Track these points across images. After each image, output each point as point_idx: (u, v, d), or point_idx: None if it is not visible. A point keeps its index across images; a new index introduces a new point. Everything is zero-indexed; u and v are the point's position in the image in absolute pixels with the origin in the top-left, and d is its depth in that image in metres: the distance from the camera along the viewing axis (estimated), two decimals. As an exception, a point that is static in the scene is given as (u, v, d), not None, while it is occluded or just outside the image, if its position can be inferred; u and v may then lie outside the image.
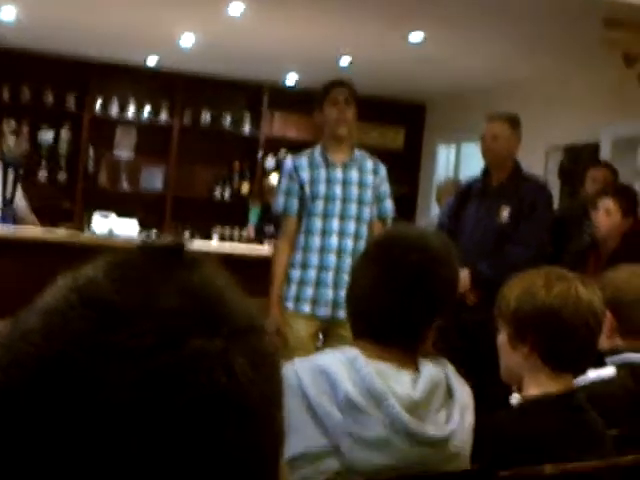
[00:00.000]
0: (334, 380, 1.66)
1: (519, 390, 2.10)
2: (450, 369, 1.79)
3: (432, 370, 1.76)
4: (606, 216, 4.50)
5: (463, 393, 1.77)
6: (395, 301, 1.78)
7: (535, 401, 2.02)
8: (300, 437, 1.65)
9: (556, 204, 5.71)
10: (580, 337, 2.02)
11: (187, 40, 7.02)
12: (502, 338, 2.10)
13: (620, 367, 2.48)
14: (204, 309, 0.68)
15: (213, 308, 0.68)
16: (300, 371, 1.69)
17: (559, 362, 2.03)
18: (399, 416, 1.65)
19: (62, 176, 8.58)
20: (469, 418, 1.76)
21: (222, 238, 8.49)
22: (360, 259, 1.91)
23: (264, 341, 0.71)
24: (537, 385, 2.03)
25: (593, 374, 2.44)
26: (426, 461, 1.70)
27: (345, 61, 7.29)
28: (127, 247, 0.72)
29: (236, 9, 5.85)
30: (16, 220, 5.60)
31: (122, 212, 6.42)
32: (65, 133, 8.58)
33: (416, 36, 6.22)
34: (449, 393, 1.76)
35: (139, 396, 0.63)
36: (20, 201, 5.72)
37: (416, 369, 1.76)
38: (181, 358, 0.64)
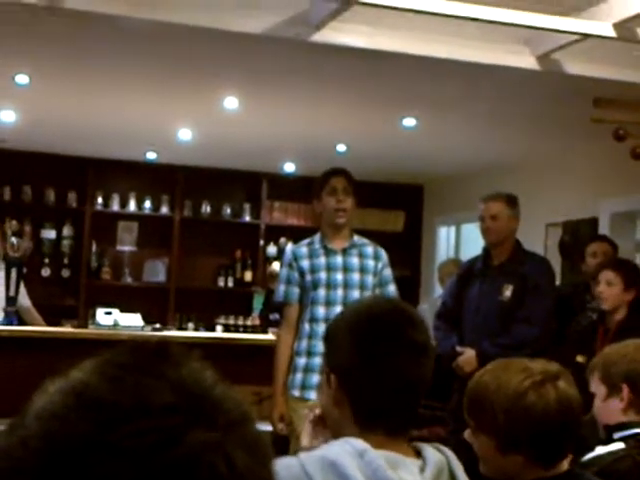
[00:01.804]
0: (345, 474, 1.63)
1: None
2: (450, 454, 1.77)
3: (436, 456, 1.74)
4: (608, 287, 4.51)
5: (465, 478, 1.75)
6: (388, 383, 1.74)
7: None
8: None
9: (557, 280, 5.71)
10: (573, 432, 2.01)
11: (185, 134, 7.13)
12: (485, 443, 2.02)
13: (628, 441, 2.46)
14: (198, 403, 0.69)
15: (206, 402, 0.70)
16: (308, 467, 1.65)
17: (549, 460, 2.01)
18: None
19: (65, 273, 8.61)
20: None
21: (226, 327, 8.47)
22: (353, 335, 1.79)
23: (256, 430, 0.72)
24: (530, 476, 2.01)
25: (602, 450, 2.42)
26: None
27: (341, 148, 7.39)
28: (114, 347, 0.74)
29: (231, 103, 5.96)
30: (20, 319, 5.60)
31: (126, 305, 6.43)
32: (67, 230, 8.64)
33: (409, 121, 6.32)
34: (452, 478, 1.74)
35: None
36: (23, 300, 5.73)
37: (418, 454, 1.75)
38: (182, 454, 0.65)
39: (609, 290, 4.51)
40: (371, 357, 1.73)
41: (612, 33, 4.21)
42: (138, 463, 0.64)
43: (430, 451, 1.74)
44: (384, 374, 1.73)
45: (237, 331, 8.29)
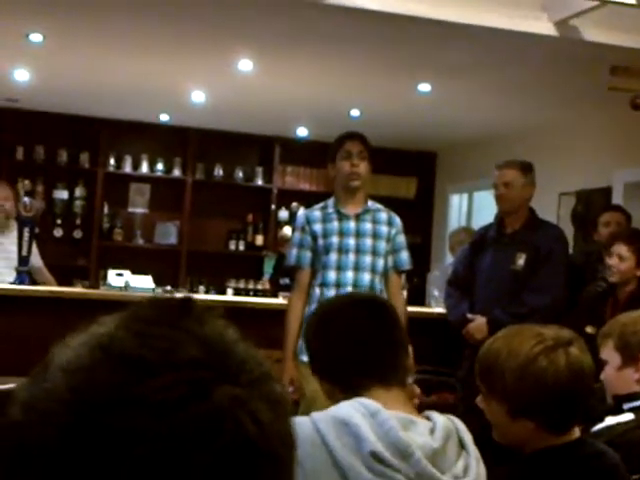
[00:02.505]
0: (358, 434, 1.65)
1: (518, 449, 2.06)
2: (458, 422, 1.78)
3: (444, 420, 1.75)
4: (619, 262, 4.49)
5: (473, 445, 1.76)
6: (367, 337, 1.87)
7: (540, 453, 2.00)
8: None
9: (570, 249, 5.70)
10: (584, 399, 2.01)
11: (198, 97, 7.11)
12: (496, 408, 2.03)
13: (638, 412, 2.46)
14: (222, 359, 0.70)
15: (230, 358, 0.71)
16: (321, 425, 1.67)
17: (562, 425, 2.01)
18: (426, 469, 1.64)
19: (77, 233, 8.63)
20: (483, 470, 1.76)
21: (237, 291, 8.50)
22: (317, 327, 1.99)
23: (276, 387, 0.73)
24: (541, 443, 2.01)
25: (612, 420, 2.42)
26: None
27: (355, 113, 7.35)
28: (137, 303, 0.74)
29: (245, 66, 5.93)
30: (32, 279, 5.63)
31: (137, 267, 6.45)
32: (79, 191, 8.66)
33: (424, 87, 6.28)
34: (461, 444, 1.75)
35: (171, 447, 0.65)
36: (36, 260, 5.75)
37: (427, 419, 1.77)
38: (209, 408, 0.66)
39: (621, 264, 4.49)
40: (328, 336, 1.91)
41: (632, 0, 4.16)
42: (165, 417, 0.65)
43: (439, 416, 1.77)
44: (343, 338, 1.88)
45: (247, 295, 8.32)
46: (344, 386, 1.81)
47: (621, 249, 4.51)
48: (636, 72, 4.83)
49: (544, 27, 4.66)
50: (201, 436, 0.65)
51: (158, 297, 0.76)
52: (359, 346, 1.84)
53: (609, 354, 2.60)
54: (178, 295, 0.76)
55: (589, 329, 4.17)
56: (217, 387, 0.67)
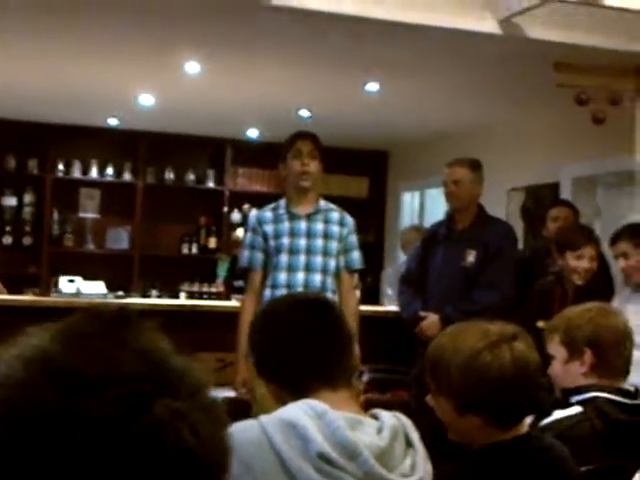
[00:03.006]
0: (305, 435, 1.65)
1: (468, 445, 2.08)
2: (406, 420, 1.80)
3: (391, 419, 1.76)
4: (589, 263, 4.48)
5: (420, 443, 1.78)
6: (313, 339, 1.87)
7: (488, 448, 2.02)
8: None
9: (519, 244, 5.75)
10: (530, 393, 2.03)
11: (146, 100, 7.06)
12: (444, 405, 2.05)
13: (586, 405, 2.49)
14: (161, 373, 0.70)
15: (168, 371, 0.71)
16: (269, 428, 1.67)
17: (509, 420, 2.03)
18: (373, 469, 1.65)
19: (27, 240, 8.53)
20: (429, 467, 1.77)
21: (190, 295, 8.45)
22: (259, 330, 2.00)
23: (211, 395, 0.74)
24: (489, 438, 2.03)
25: (560, 414, 2.45)
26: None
27: (305, 113, 7.36)
28: (72, 315, 0.73)
29: (192, 68, 5.90)
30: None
31: (89, 273, 6.39)
32: (28, 197, 8.55)
33: (372, 86, 6.30)
34: (408, 443, 1.76)
35: (112, 462, 0.65)
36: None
37: (375, 419, 1.77)
38: (150, 422, 0.66)
39: (590, 266, 4.47)
40: (273, 333, 1.93)
41: (573, -3, 4.21)
42: (106, 432, 0.65)
43: (386, 415, 1.77)
44: (287, 340, 1.88)
45: (201, 298, 8.28)
46: (290, 388, 1.81)
47: (591, 251, 4.49)
48: (580, 68, 4.90)
49: (488, 25, 4.70)
50: (143, 449, 0.66)
51: (93, 308, 0.75)
52: (303, 347, 1.84)
53: (555, 348, 2.63)
54: (118, 303, 0.75)
55: (540, 324, 4.20)
56: (157, 400, 0.67)
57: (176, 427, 0.67)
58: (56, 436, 0.64)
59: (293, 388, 1.80)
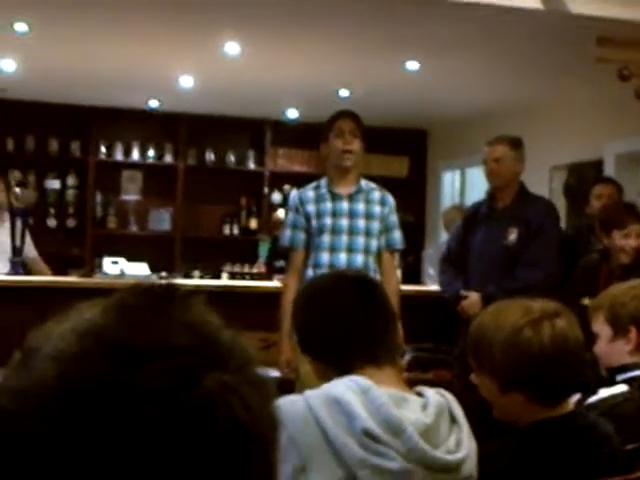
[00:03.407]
0: (350, 411, 1.66)
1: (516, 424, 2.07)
2: (451, 398, 1.80)
3: (436, 396, 1.76)
4: (636, 241, 4.44)
5: (465, 420, 1.78)
6: (356, 317, 1.87)
7: (533, 426, 2.02)
8: (320, 471, 1.65)
9: (562, 223, 5.71)
10: (572, 370, 2.02)
11: (186, 81, 7.09)
12: (487, 383, 2.05)
13: (631, 383, 2.47)
14: (210, 346, 0.71)
15: (217, 344, 0.72)
16: (314, 404, 1.68)
17: (552, 397, 2.02)
18: (418, 445, 1.65)
19: (71, 222, 8.63)
20: (474, 445, 1.77)
21: (232, 275, 8.50)
22: (303, 307, 2.00)
23: (260, 370, 0.74)
24: (534, 416, 2.02)
25: (605, 392, 2.43)
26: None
27: (344, 93, 7.34)
28: (121, 290, 0.74)
29: (232, 49, 5.91)
30: (27, 269, 5.62)
31: (131, 255, 6.44)
32: (71, 180, 8.65)
33: (412, 65, 6.27)
34: (452, 419, 1.76)
35: (165, 434, 0.66)
36: (30, 250, 5.75)
37: (419, 395, 1.78)
38: (201, 395, 0.67)
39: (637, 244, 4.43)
40: (316, 311, 1.92)
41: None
42: (158, 404, 0.66)
43: (431, 393, 1.78)
44: (331, 318, 1.88)
45: (243, 279, 8.31)
46: (334, 365, 1.82)
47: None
48: (622, 43, 4.83)
49: (531, 1, 4.65)
50: (194, 422, 0.66)
51: (141, 284, 0.76)
52: (347, 324, 1.84)
53: (600, 327, 2.61)
54: (162, 281, 0.76)
55: (585, 301, 4.17)
56: (207, 374, 0.68)
57: (227, 400, 0.68)
58: (109, 408, 0.65)
59: (338, 365, 1.81)
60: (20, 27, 5.47)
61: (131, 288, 0.75)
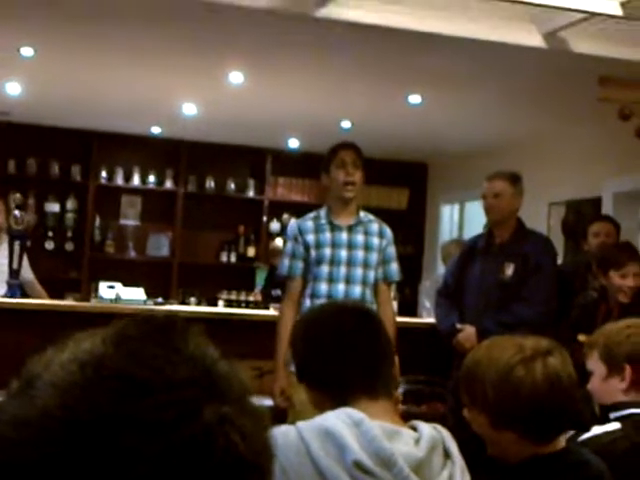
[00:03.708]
0: (342, 443, 1.66)
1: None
2: (445, 433, 1.79)
3: (430, 430, 1.76)
4: (634, 281, 4.45)
5: (459, 455, 1.77)
6: (355, 350, 1.87)
7: (525, 463, 2.01)
8: None
9: (560, 259, 5.71)
10: (564, 408, 2.01)
11: (189, 109, 7.12)
12: (480, 420, 2.05)
13: (624, 421, 2.47)
14: (209, 378, 0.71)
15: (216, 376, 0.72)
16: (306, 435, 1.68)
17: (545, 435, 2.02)
18: (409, 479, 1.65)
19: (69, 246, 8.63)
20: (468, 479, 1.76)
21: (229, 303, 8.48)
22: (303, 336, 1.99)
23: (255, 401, 0.75)
24: (527, 452, 2.02)
25: (599, 430, 2.43)
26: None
27: (346, 125, 7.38)
28: (121, 320, 0.74)
29: (236, 78, 5.94)
30: (24, 292, 5.62)
31: (129, 279, 6.45)
32: (71, 203, 8.66)
33: (414, 98, 6.30)
34: (446, 454, 1.76)
35: (166, 466, 0.66)
36: (27, 273, 5.75)
37: (414, 430, 1.77)
38: (201, 427, 0.68)
39: (635, 283, 4.44)
40: (315, 340, 1.91)
41: (619, 12, 4.19)
42: (159, 436, 0.66)
43: (425, 427, 1.77)
44: (329, 349, 1.88)
45: (239, 306, 8.30)
46: (331, 395, 1.82)
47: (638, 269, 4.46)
48: (624, 83, 4.87)
49: (533, 39, 4.69)
50: (194, 454, 0.67)
51: (142, 314, 0.77)
52: (346, 355, 1.84)
53: (595, 364, 2.61)
54: (163, 310, 0.77)
55: (581, 337, 4.17)
56: (206, 406, 0.69)
57: (225, 432, 0.68)
58: (110, 439, 0.65)
59: (334, 395, 1.81)
60: (26, 51, 5.51)
61: (131, 318, 0.75)
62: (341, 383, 1.82)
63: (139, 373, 0.68)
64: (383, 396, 1.82)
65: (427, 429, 1.76)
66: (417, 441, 1.72)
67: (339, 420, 1.69)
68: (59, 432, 0.66)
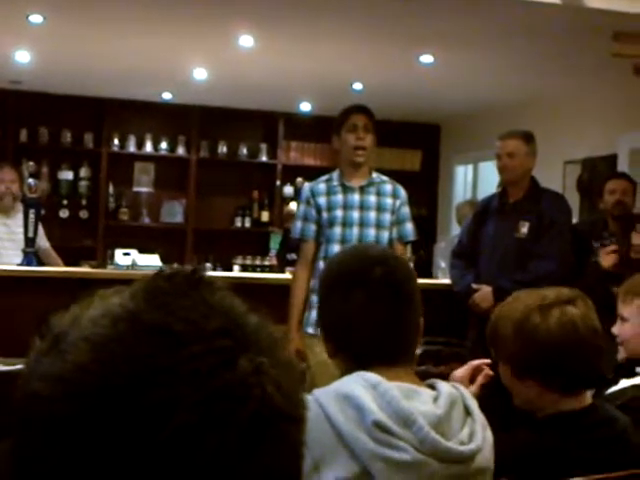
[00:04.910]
0: (360, 405, 1.65)
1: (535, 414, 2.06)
2: (464, 390, 1.79)
3: (449, 388, 1.76)
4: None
5: (479, 412, 1.77)
6: (382, 317, 1.81)
7: (550, 419, 2.01)
8: (333, 466, 1.65)
9: (575, 217, 5.69)
10: (584, 359, 2.00)
11: (200, 74, 7.09)
12: (504, 371, 2.06)
13: None
14: (241, 329, 0.71)
15: (247, 327, 0.72)
16: (323, 401, 1.68)
17: (567, 387, 2.02)
18: (429, 436, 1.64)
19: (83, 214, 8.66)
20: (489, 435, 1.76)
21: (244, 268, 8.51)
22: (327, 288, 1.91)
23: (287, 352, 0.76)
24: (553, 406, 2.01)
25: (626, 383, 2.42)
26: (455, 478, 1.69)
27: (358, 86, 7.33)
28: (148, 275, 0.74)
29: (246, 41, 5.91)
30: (39, 260, 5.64)
31: (144, 246, 6.45)
32: (84, 171, 8.67)
33: (426, 58, 6.25)
34: (467, 411, 1.76)
35: (204, 415, 0.66)
36: (42, 241, 5.77)
37: (431, 387, 1.77)
38: (236, 377, 0.68)
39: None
40: (342, 301, 1.82)
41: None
42: (194, 387, 0.66)
43: (443, 385, 1.77)
44: (356, 314, 1.81)
45: (254, 271, 8.33)
46: (354, 358, 1.79)
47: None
48: (638, 37, 4.81)
49: (546, -5, 4.64)
50: (230, 404, 0.67)
51: (168, 270, 0.76)
52: (374, 320, 1.80)
53: (632, 312, 2.57)
54: (188, 267, 0.77)
55: (616, 289, 4.14)
56: (241, 356, 0.69)
57: (261, 382, 0.68)
58: (146, 391, 0.65)
59: (357, 358, 1.79)
60: (35, 18, 5.48)
61: (157, 274, 0.75)
62: (365, 347, 1.80)
63: (172, 325, 0.68)
64: (403, 361, 1.81)
65: (446, 387, 1.76)
66: (436, 399, 1.72)
67: (356, 383, 1.69)
68: (95, 386, 0.66)
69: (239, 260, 8.67)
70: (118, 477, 0.65)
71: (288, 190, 9.09)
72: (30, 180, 5.88)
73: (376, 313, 1.81)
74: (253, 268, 8.53)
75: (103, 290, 0.74)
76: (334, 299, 1.86)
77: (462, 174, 9.03)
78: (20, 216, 5.54)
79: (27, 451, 0.69)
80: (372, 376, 1.70)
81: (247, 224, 9.06)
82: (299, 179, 9.01)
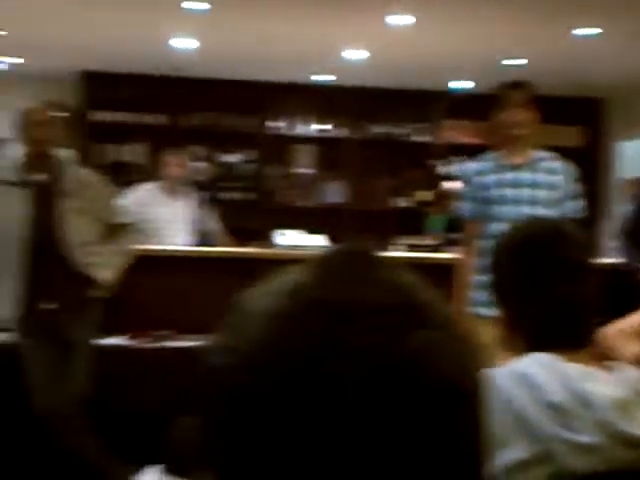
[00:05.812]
0: (537, 384, 1.64)
1: None
2: None
3: (630, 371, 1.71)
4: None
5: None
6: (564, 296, 1.76)
7: None
8: (510, 446, 1.64)
9: None
10: None
11: (358, 55, 7.14)
12: None
13: None
14: (415, 304, 0.71)
15: (420, 303, 0.72)
16: (499, 380, 1.67)
17: None
18: (610, 418, 1.61)
19: (246, 195, 8.86)
20: None
21: (406, 247, 8.50)
22: (503, 265, 1.86)
23: (462, 328, 0.74)
24: None
25: None
26: (636, 463, 1.66)
27: (517, 62, 7.20)
28: (323, 254, 0.76)
29: (406, 20, 5.90)
30: (209, 242, 5.81)
31: (305, 227, 6.56)
32: (249, 154, 8.88)
33: (589, 31, 6.07)
34: None
35: (373, 391, 0.67)
36: (212, 223, 5.94)
37: (610, 369, 1.73)
38: (409, 352, 0.68)
39: None
40: (528, 278, 1.78)
41: None
42: (366, 361, 0.67)
43: (623, 367, 1.72)
44: (542, 295, 1.77)
45: (415, 251, 8.30)
46: (533, 340, 1.76)
47: None
48: None
49: None
50: (402, 380, 0.67)
51: (340, 248, 0.78)
52: (558, 304, 1.77)
53: None
54: (358, 245, 0.78)
55: None
56: (413, 331, 0.69)
57: (435, 357, 0.68)
58: (318, 365, 0.67)
59: (536, 341, 1.76)
60: (201, 6, 5.65)
61: (330, 252, 0.77)
62: (548, 329, 1.77)
63: (344, 300, 0.69)
64: (582, 343, 1.76)
65: (626, 370, 1.71)
66: (616, 381, 1.68)
67: (532, 362, 1.67)
68: (269, 359, 0.68)
69: (402, 240, 8.66)
70: (296, 448, 0.67)
71: (447, 170, 9.03)
72: (198, 164, 6.07)
73: (557, 292, 1.78)
74: (414, 247, 8.51)
75: (278, 268, 0.76)
76: (514, 278, 1.83)
77: (628, 150, 8.72)
78: (189, 199, 5.74)
79: (212, 424, 0.72)
80: (548, 357, 1.68)
81: (404, 204, 9.05)
82: (456, 158, 8.94)
